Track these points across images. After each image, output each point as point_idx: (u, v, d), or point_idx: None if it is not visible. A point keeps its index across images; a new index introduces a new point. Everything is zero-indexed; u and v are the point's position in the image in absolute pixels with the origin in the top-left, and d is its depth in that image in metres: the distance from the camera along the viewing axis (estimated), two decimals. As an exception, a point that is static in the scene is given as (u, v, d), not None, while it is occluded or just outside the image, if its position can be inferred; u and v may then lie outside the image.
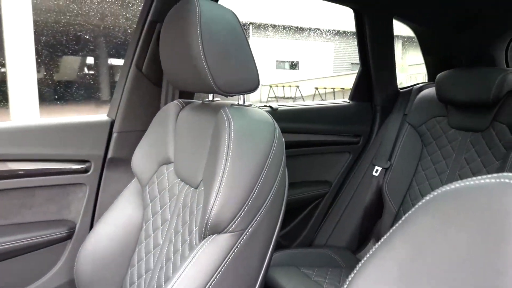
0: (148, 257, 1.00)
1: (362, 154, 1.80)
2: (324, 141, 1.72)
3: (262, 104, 1.61)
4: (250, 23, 15.34)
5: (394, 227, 0.45)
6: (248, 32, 16.00)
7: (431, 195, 0.42)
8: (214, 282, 0.74)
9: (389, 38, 1.72)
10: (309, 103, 1.73)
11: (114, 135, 1.27)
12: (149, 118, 1.17)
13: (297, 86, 14.65)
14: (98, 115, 1.30)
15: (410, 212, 0.43)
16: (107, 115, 1.30)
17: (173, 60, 0.94)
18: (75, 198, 1.25)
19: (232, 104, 0.92)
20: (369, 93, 1.79)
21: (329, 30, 16.58)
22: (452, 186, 0.41)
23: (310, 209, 1.78)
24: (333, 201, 1.80)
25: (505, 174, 0.39)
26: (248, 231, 0.77)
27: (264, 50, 16.15)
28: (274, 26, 16.03)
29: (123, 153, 1.27)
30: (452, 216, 0.39)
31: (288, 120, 1.61)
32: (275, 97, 15.61)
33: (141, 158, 1.09)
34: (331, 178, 1.80)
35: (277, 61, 16.86)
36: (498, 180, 0.38)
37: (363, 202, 1.69)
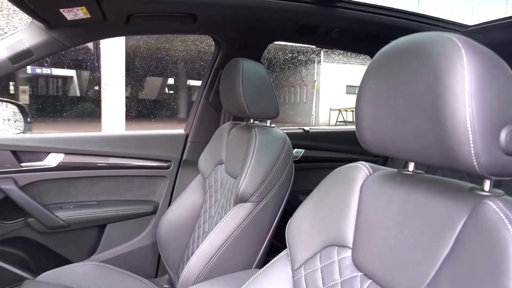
0: (204, 224, 1.52)
1: None
2: (347, 158, 2.14)
3: (331, 126, 2.03)
4: (321, 49, 15.83)
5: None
6: (320, 58, 16.49)
7: (331, 174, 0.87)
8: (237, 232, 1.23)
9: None
10: (336, 128, 2.16)
11: (188, 144, 1.83)
12: (211, 133, 1.69)
13: (366, 111, 14.61)
14: (178, 130, 1.87)
15: (324, 179, 0.88)
16: (184, 130, 1.87)
17: (227, 96, 1.47)
18: (159, 186, 1.81)
19: (262, 126, 1.42)
20: None
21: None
22: (335, 169, 0.86)
23: None
24: None
25: (360, 162, 0.83)
26: (262, 202, 1.25)
27: (334, 75, 16.45)
28: (344, 52, 16.31)
29: (193, 156, 1.82)
30: (334, 182, 0.84)
31: (318, 140, 2.07)
32: (344, 121, 15.75)
33: (204, 160, 1.62)
34: None
35: (347, 85, 17.03)
36: (354, 164, 0.83)
37: None
